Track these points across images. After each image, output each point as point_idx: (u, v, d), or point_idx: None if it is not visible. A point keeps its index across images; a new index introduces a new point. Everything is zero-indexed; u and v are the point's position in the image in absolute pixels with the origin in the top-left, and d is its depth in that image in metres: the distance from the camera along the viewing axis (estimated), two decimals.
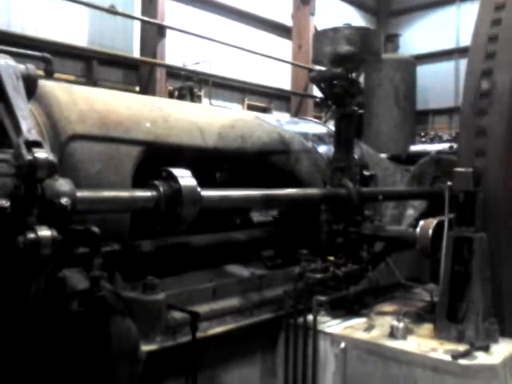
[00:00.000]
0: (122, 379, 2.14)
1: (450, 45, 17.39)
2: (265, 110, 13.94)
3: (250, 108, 13.58)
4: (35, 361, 1.95)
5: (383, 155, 5.46)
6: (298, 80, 14.65)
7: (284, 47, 15.05)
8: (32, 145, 1.82)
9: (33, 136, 1.86)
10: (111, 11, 9.98)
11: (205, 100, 11.50)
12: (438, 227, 3.15)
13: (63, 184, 1.88)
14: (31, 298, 1.86)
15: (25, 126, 1.88)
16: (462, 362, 2.60)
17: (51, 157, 1.84)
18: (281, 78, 14.73)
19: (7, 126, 1.93)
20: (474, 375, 2.58)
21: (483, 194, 3.02)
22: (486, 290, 2.91)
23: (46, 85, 2.63)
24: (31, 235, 1.72)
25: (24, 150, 1.79)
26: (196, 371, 2.61)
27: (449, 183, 3.11)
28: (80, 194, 1.98)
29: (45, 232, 1.74)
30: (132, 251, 2.86)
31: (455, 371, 2.60)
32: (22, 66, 2.08)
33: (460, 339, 2.81)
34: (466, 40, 14.22)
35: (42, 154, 1.81)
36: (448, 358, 2.63)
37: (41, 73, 3.17)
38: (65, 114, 2.57)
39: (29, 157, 1.78)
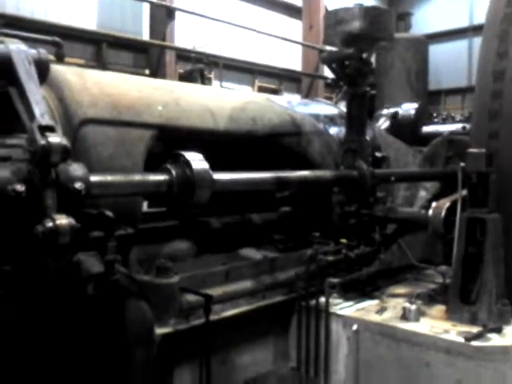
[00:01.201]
0: (137, 362, 2.16)
1: (463, 23, 17.06)
2: (275, 92, 13.85)
3: (261, 90, 13.49)
4: (51, 344, 1.98)
5: None
6: (309, 61, 14.50)
7: (294, 28, 14.88)
8: (45, 129, 1.82)
9: (46, 121, 1.86)
10: None
11: (215, 82, 11.44)
12: (451, 208, 3.13)
13: (77, 168, 1.89)
14: (49, 284, 1.88)
15: (38, 110, 1.88)
16: (475, 343, 2.60)
17: (64, 141, 1.84)
18: (291, 60, 14.59)
19: (20, 110, 1.93)
20: (487, 357, 2.59)
21: (496, 175, 2.99)
22: (499, 272, 2.89)
23: (57, 69, 2.62)
24: (49, 224, 1.72)
25: (38, 135, 1.80)
26: (209, 353, 2.64)
27: (462, 164, 3.08)
28: (93, 178, 1.99)
29: (63, 220, 1.75)
30: None
31: (468, 353, 2.60)
32: (33, 51, 2.08)
33: (473, 321, 2.81)
34: (479, 18, 13.95)
35: (55, 138, 1.81)
36: (461, 339, 2.64)
37: (51, 57, 3.17)
38: (76, 98, 2.57)
39: (42, 141, 1.79)
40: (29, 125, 1.86)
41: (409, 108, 6.47)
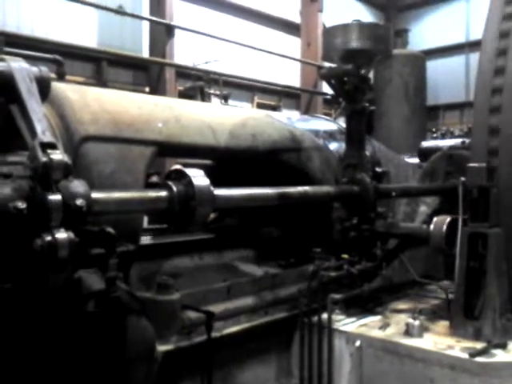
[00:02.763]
0: (139, 380, 2.14)
1: (459, 39, 17.23)
2: (274, 108, 13.91)
3: (260, 106, 13.55)
4: (52, 361, 1.96)
5: None
6: (308, 78, 14.60)
7: (293, 45, 15.01)
8: (47, 146, 1.83)
9: (47, 138, 1.86)
10: (120, 12, 9.99)
11: (215, 99, 11.50)
12: (452, 223, 3.12)
13: (78, 185, 1.88)
14: (48, 299, 1.87)
15: (39, 128, 1.89)
16: (480, 359, 2.58)
17: (66, 158, 1.84)
18: (290, 76, 14.68)
19: (22, 128, 1.94)
20: (492, 373, 2.56)
21: (497, 189, 2.99)
22: (503, 286, 2.88)
23: (58, 87, 2.64)
24: (48, 237, 1.73)
25: (39, 152, 1.80)
26: (211, 371, 2.61)
27: (462, 179, 3.09)
28: (94, 194, 1.98)
29: (62, 234, 1.75)
30: None
31: (472, 369, 2.58)
32: (35, 69, 2.09)
33: (477, 336, 2.79)
34: (476, 34, 14.10)
35: (56, 155, 1.81)
36: (465, 355, 2.61)
37: (52, 75, 3.19)
38: (77, 116, 2.58)
39: (44, 158, 1.79)
40: (30, 142, 1.86)
41: None
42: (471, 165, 3.05)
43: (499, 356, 2.62)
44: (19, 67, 2.02)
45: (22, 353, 1.93)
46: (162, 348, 2.42)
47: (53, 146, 1.84)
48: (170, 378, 2.52)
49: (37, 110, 1.94)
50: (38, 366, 1.95)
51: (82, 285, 1.95)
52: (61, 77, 4.84)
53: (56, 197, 1.77)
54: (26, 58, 2.43)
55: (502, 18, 3.30)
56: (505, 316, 2.82)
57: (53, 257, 1.73)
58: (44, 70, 2.15)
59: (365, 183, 3.44)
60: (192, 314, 2.65)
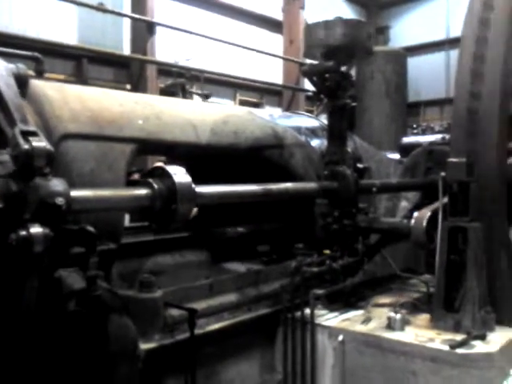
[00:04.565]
0: (122, 378, 2.13)
1: (440, 36, 17.38)
2: (256, 105, 13.90)
3: (242, 103, 13.53)
4: (33, 361, 1.94)
5: None
6: (290, 75, 14.61)
7: (275, 42, 15.01)
8: (28, 134, 1.81)
9: (27, 126, 1.84)
10: (100, 9, 9.89)
11: (196, 97, 11.45)
12: (433, 218, 3.16)
13: (57, 184, 1.87)
14: (26, 297, 1.85)
15: (18, 116, 1.86)
16: (460, 351, 2.62)
17: (48, 146, 1.83)
18: (272, 74, 14.68)
19: (1, 121, 1.91)
20: (472, 364, 2.60)
21: (477, 182, 3.03)
22: (482, 279, 2.92)
23: (36, 84, 2.60)
24: (23, 232, 1.72)
25: (20, 140, 1.78)
26: (195, 368, 2.61)
27: (442, 174, 3.12)
28: (74, 193, 1.97)
29: (37, 229, 1.74)
30: None
31: (453, 361, 2.62)
32: (12, 66, 2.07)
33: (457, 329, 2.83)
34: (456, 31, 14.24)
35: (38, 142, 1.80)
36: (446, 347, 2.65)
37: (31, 73, 3.15)
38: (57, 113, 2.55)
39: (26, 146, 1.77)
40: (10, 131, 1.84)
41: None
42: (451, 160, 3.08)
43: (479, 347, 2.67)
44: None
45: (4, 353, 1.91)
46: (144, 346, 2.41)
47: (34, 134, 1.83)
48: (153, 375, 2.52)
49: (15, 100, 1.92)
50: (19, 365, 1.93)
51: (63, 284, 1.93)
52: (40, 74, 4.76)
53: (33, 190, 1.76)
54: (4, 55, 2.40)
55: (478, 24, 3.34)
56: (484, 308, 2.86)
57: (28, 252, 1.72)
58: (21, 67, 2.13)
59: (345, 175, 3.46)
60: (175, 312, 2.65)
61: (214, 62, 12.58)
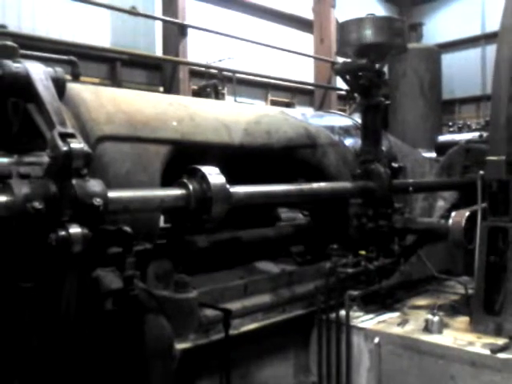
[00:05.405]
0: (157, 377, 2.15)
1: (475, 31, 16.99)
2: (288, 105, 13.86)
3: (273, 103, 13.51)
4: (72, 360, 1.97)
5: None
6: (321, 74, 14.51)
7: (306, 41, 14.94)
8: (66, 136, 1.84)
9: (66, 128, 1.88)
10: (132, 12, 10.03)
11: (228, 97, 11.50)
12: (471, 218, 3.09)
13: (95, 185, 1.89)
14: (65, 297, 1.88)
15: (57, 119, 1.90)
16: (502, 355, 2.54)
17: (86, 147, 1.86)
18: (303, 73, 14.62)
19: (40, 123, 1.95)
20: None
21: None
22: None
23: (73, 87, 2.65)
24: (62, 232, 1.75)
25: (59, 141, 1.81)
26: (229, 368, 2.61)
27: (481, 172, 3.04)
28: (111, 193, 1.99)
29: (75, 229, 1.76)
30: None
31: (494, 365, 2.54)
32: (50, 70, 2.11)
33: (498, 332, 2.75)
34: (492, 25, 13.90)
35: (77, 144, 1.83)
36: (487, 351, 2.58)
37: (67, 76, 3.20)
38: (93, 116, 2.59)
39: (64, 147, 1.80)
40: (49, 134, 1.87)
41: None
42: (490, 158, 3.00)
43: None
44: (35, 67, 2.03)
45: (43, 351, 1.94)
46: (180, 346, 2.43)
47: (72, 136, 1.86)
48: (188, 375, 2.53)
49: (54, 103, 1.95)
50: (58, 364, 1.96)
51: (101, 284, 1.96)
52: (75, 78, 4.84)
53: (71, 191, 1.79)
54: (41, 59, 2.45)
55: None
56: None
57: (67, 251, 1.74)
58: (59, 70, 2.17)
59: (379, 174, 3.41)
60: (209, 312, 2.65)
61: (245, 62, 12.61)
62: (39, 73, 2.01)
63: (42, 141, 1.98)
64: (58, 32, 9.75)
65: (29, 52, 3.09)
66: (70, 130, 1.88)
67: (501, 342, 2.63)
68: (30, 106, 2.00)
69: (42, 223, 1.77)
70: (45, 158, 1.94)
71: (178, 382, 2.35)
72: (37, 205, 1.75)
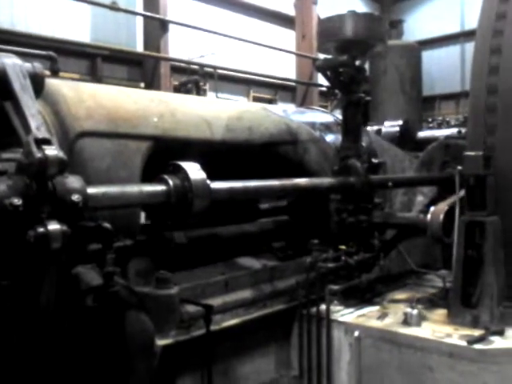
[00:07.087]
0: (139, 374, 2.14)
1: (455, 29, 17.20)
2: (270, 102, 13.89)
3: (256, 100, 13.54)
4: (51, 358, 1.96)
5: None
6: (303, 70, 14.57)
7: (288, 37, 14.97)
8: (41, 142, 1.82)
9: (42, 133, 1.86)
10: (113, 8, 9.94)
11: (210, 94, 11.47)
12: (449, 212, 3.13)
13: (74, 181, 1.88)
14: (44, 294, 1.87)
15: (33, 123, 1.88)
16: (478, 346, 2.60)
17: (61, 154, 1.84)
18: (285, 69, 14.65)
19: (16, 124, 1.93)
20: (490, 360, 2.58)
21: (494, 175, 3.00)
22: (500, 274, 2.90)
23: (52, 83, 2.62)
24: (41, 229, 1.73)
25: (34, 148, 1.79)
26: (211, 364, 2.62)
27: (459, 167, 3.09)
28: (91, 190, 1.98)
29: (54, 226, 1.75)
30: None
31: (471, 356, 2.59)
32: (28, 65, 2.08)
33: (475, 324, 2.80)
34: (471, 23, 14.08)
35: (51, 151, 1.81)
36: (463, 343, 2.63)
37: (46, 72, 3.17)
38: (72, 112, 2.57)
39: (39, 154, 1.78)
40: (24, 138, 1.85)
41: (392, 125, 6.44)
42: (467, 153, 3.05)
43: (497, 343, 2.64)
44: (12, 63, 2.00)
45: (22, 349, 1.93)
46: (161, 342, 2.43)
47: (48, 142, 1.84)
48: (169, 371, 2.53)
49: (30, 106, 1.93)
50: (37, 362, 1.95)
51: (80, 280, 1.95)
52: (55, 73, 4.80)
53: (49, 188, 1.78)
54: (20, 54, 2.42)
55: (495, 16, 3.28)
56: (502, 303, 2.83)
57: (46, 248, 1.73)
58: (38, 66, 2.14)
59: (356, 168, 3.43)
60: (191, 308, 2.66)
61: (227, 59, 12.58)
62: (16, 69, 1.98)
63: (19, 138, 1.96)
64: (37, 27, 9.62)
65: (6, 47, 3.06)
66: (46, 135, 1.86)
67: (477, 333, 2.68)
68: (7, 105, 1.97)
69: (21, 220, 1.75)
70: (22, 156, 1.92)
71: (160, 378, 2.35)
72: (15, 201, 1.73)
